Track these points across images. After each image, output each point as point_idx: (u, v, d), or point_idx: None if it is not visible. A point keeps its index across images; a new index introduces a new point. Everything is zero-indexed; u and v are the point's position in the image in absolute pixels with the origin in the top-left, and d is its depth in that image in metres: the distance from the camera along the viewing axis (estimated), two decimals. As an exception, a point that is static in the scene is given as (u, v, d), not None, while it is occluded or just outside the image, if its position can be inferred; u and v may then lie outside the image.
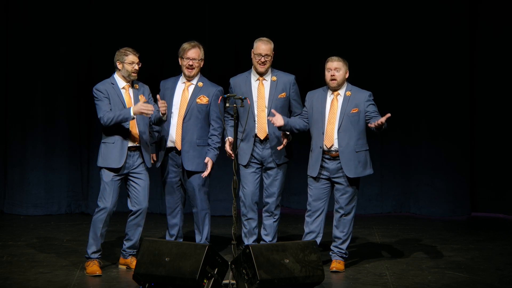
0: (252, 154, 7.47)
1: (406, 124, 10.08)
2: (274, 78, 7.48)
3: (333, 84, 7.22)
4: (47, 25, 9.96)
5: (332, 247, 7.29)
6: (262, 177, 7.57)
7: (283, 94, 7.46)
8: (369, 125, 7.10)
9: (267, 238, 7.55)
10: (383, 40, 10.06)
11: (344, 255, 7.29)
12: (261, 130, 7.44)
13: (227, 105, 6.97)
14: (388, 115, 6.98)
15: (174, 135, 7.39)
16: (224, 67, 9.66)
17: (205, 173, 7.33)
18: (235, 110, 6.92)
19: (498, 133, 9.98)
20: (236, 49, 10.02)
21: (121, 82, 7.17)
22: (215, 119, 7.39)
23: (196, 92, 7.42)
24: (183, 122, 7.37)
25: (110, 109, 7.04)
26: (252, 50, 7.46)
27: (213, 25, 10.05)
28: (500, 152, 9.97)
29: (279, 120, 7.21)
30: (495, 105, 9.98)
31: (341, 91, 7.25)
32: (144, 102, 7.03)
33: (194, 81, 7.46)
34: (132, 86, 7.19)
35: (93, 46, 10.02)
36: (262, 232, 7.60)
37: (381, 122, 6.96)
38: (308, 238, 7.25)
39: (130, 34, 9.89)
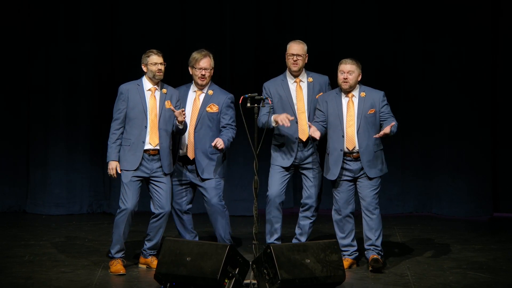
0: (295, 157, 7.43)
1: (428, 124, 10.03)
2: (311, 79, 7.47)
3: (345, 86, 7.22)
4: (69, 25, 10.00)
5: (366, 246, 7.29)
6: (302, 178, 7.51)
7: (320, 94, 7.44)
8: (374, 136, 7.15)
9: (302, 238, 7.50)
10: (404, 40, 10.02)
11: (381, 252, 7.28)
12: (303, 132, 7.40)
13: (248, 105, 6.97)
14: (393, 123, 7.07)
15: (187, 144, 7.39)
16: (245, 66, 9.66)
17: (213, 142, 7.17)
18: (256, 110, 6.90)
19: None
20: (257, 46, 10.02)
21: (147, 84, 7.19)
22: (229, 122, 7.37)
23: (207, 100, 7.41)
24: (194, 131, 7.36)
25: (125, 114, 7.13)
26: (286, 52, 7.46)
27: (234, 25, 10.06)
28: (523, 152, 9.92)
29: (316, 132, 7.12)
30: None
31: (355, 93, 7.26)
32: (169, 107, 7.13)
33: (205, 90, 7.45)
34: (160, 90, 7.21)
35: (115, 45, 10.06)
36: (297, 231, 7.55)
37: (385, 133, 7.06)
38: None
39: (152, 33, 9.91)
